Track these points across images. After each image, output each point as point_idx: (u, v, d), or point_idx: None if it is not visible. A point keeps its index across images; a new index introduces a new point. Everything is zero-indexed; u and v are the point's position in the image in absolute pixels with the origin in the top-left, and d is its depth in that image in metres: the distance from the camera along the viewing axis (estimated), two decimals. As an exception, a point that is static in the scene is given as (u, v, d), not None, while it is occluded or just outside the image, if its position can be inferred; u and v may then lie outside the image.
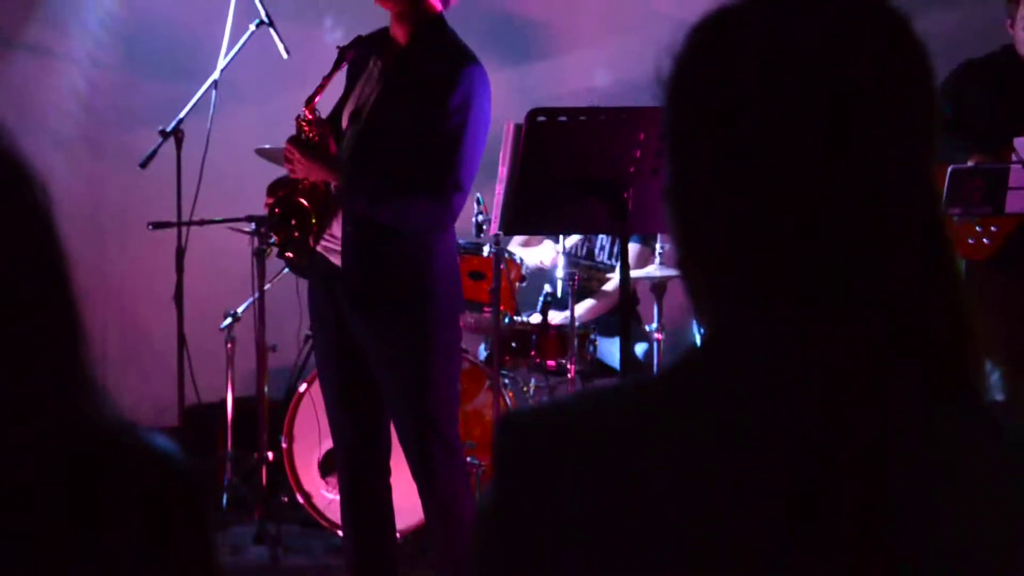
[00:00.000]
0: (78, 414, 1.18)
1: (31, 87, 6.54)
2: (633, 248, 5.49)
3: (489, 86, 3.91)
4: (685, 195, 1.14)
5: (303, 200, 3.91)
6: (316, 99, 3.94)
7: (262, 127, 5.81)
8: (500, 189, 3.87)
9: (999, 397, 4.65)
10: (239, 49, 5.45)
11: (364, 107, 3.95)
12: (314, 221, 3.91)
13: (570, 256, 5.61)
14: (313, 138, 3.94)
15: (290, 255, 3.98)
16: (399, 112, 3.87)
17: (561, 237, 5.49)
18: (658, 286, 5.27)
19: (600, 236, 5.69)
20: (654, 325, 5.26)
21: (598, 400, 1.15)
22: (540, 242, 5.75)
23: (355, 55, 4.02)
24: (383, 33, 4.03)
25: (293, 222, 3.91)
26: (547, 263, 5.58)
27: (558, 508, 1.07)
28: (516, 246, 5.73)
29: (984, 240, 4.88)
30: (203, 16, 5.93)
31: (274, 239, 4.00)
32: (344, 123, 4.00)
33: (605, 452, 1.08)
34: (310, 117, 3.93)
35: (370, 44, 4.05)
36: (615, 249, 5.61)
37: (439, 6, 3.94)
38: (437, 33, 3.93)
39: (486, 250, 5.18)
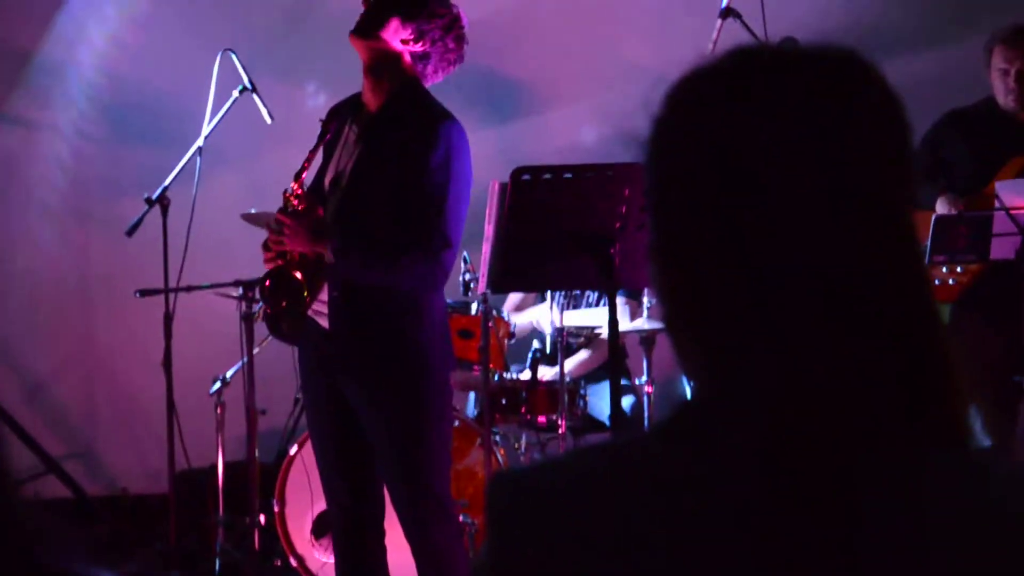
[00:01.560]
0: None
1: (17, 158, 6.56)
2: (620, 302, 5.51)
3: (467, 142, 3.91)
4: (669, 251, 1.15)
5: (296, 273, 3.91)
6: (304, 175, 3.95)
7: (247, 192, 5.84)
8: (486, 248, 3.88)
9: (986, 442, 4.66)
10: (223, 115, 5.47)
11: (343, 173, 3.96)
12: (306, 294, 3.91)
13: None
14: (300, 210, 3.94)
15: (281, 326, 3.97)
16: (379, 175, 3.88)
17: (549, 296, 5.50)
18: (646, 339, 5.28)
19: (587, 292, 5.70)
20: (643, 378, 5.27)
21: (589, 458, 1.15)
22: (533, 304, 5.76)
23: (336, 121, 4.05)
24: (356, 98, 4.05)
25: (284, 296, 3.92)
26: (541, 326, 5.57)
27: (551, 566, 1.08)
28: (510, 310, 5.74)
29: (950, 281, 4.91)
30: (186, 84, 5.96)
31: (265, 310, 4.00)
32: (325, 191, 4.01)
33: (597, 510, 1.09)
34: (298, 191, 3.94)
35: (344, 110, 4.07)
36: (601, 303, 5.62)
37: (414, 71, 3.95)
38: (412, 93, 3.94)
39: (474, 308, 5.19)
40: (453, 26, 3.99)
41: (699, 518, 1.06)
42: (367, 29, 3.91)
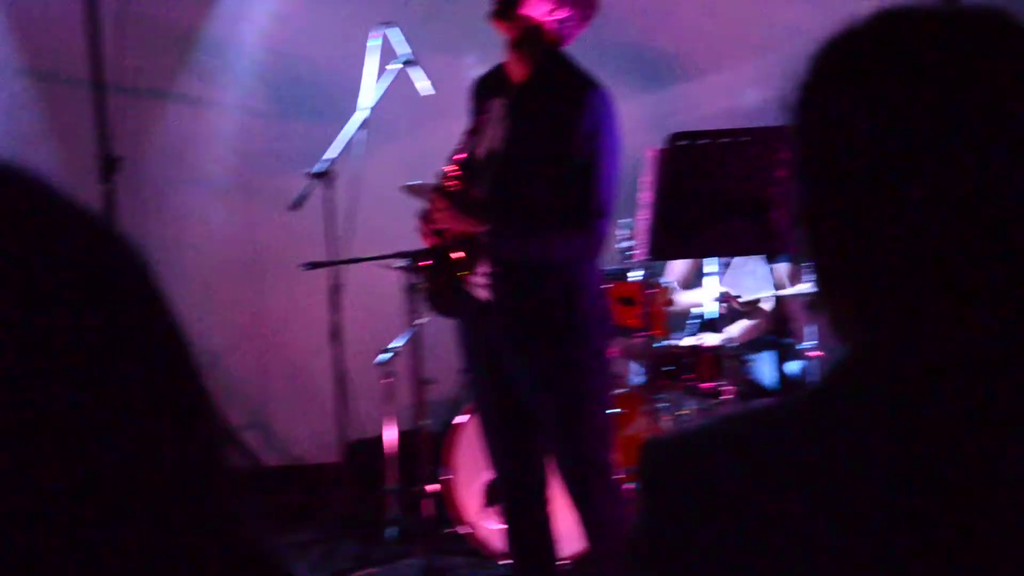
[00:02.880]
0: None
1: (186, 136, 6.71)
2: (782, 267, 5.45)
3: (615, 108, 3.89)
4: (820, 218, 1.14)
5: (453, 250, 3.94)
6: (459, 154, 3.98)
7: (408, 164, 5.89)
8: (644, 215, 3.87)
9: None
10: (386, 88, 5.54)
11: (495, 148, 3.97)
12: (464, 270, 3.94)
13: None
14: (457, 189, 3.97)
15: (441, 302, 4.02)
16: (530, 147, 3.88)
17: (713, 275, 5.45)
18: (812, 304, 5.20)
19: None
20: (809, 343, 5.20)
21: (741, 422, 1.15)
22: (699, 284, 5.73)
23: (481, 94, 4.07)
24: (501, 70, 4.05)
25: (443, 273, 3.96)
26: (707, 305, 5.52)
27: (702, 530, 1.08)
28: (675, 287, 5.71)
29: None
30: (347, 58, 6.03)
31: (425, 287, 4.05)
32: (477, 165, 4.02)
33: (748, 474, 1.08)
34: (454, 171, 3.97)
35: (491, 82, 4.08)
36: (762, 269, 5.56)
37: (558, 37, 3.94)
38: (556, 63, 3.93)
39: (633, 275, 5.18)
40: None
41: (848, 481, 1.06)
42: (505, 11, 3.91)
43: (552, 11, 3.91)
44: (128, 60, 6.31)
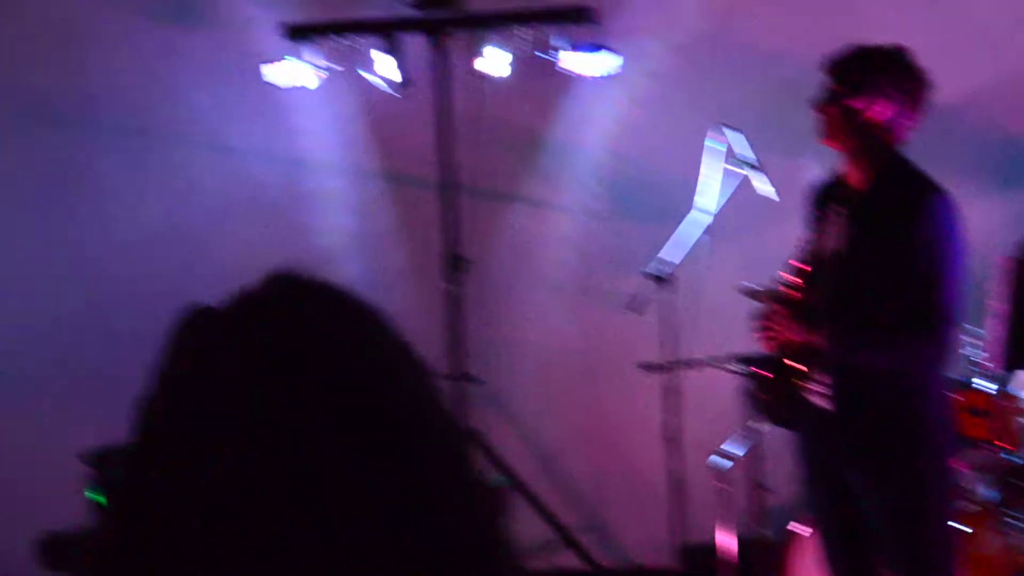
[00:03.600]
0: None
1: (529, 238, 6.83)
2: None
3: (957, 214, 3.80)
4: None
5: (792, 360, 3.87)
6: (798, 261, 3.92)
7: (745, 265, 5.81)
8: (997, 324, 3.72)
9: None
10: (728, 191, 5.51)
11: (834, 255, 3.90)
12: (803, 381, 3.87)
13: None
14: (793, 297, 3.92)
15: (779, 413, 3.95)
16: (871, 255, 3.81)
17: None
18: None
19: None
20: None
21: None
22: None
23: (819, 202, 4.01)
24: (839, 176, 3.99)
25: (782, 385, 3.89)
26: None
27: None
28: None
29: None
30: (686, 160, 6.03)
31: (762, 398, 3.99)
32: (816, 272, 3.95)
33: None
34: (792, 278, 3.92)
35: (829, 189, 4.02)
36: None
37: (893, 138, 3.86)
38: (894, 168, 3.85)
39: (981, 384, 4.93)
40: (901, 72, 3.87)
41: None
42: (830, 134, 3.88)
43: (874, 111, 3.82)
44: (477, 162, 6.49)
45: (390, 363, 1.03)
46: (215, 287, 1.09)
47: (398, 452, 0.98)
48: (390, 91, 6.40)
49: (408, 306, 6.68)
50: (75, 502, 5.02)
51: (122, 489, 1.01)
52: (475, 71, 6.29)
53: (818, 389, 3.89)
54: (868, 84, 3.83)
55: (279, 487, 0.94)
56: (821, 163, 6.18)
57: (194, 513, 0.95)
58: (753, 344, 4.13)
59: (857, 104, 3.83)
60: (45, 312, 6.63)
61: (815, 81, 4.03)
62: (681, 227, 5.57)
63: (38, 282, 6.67)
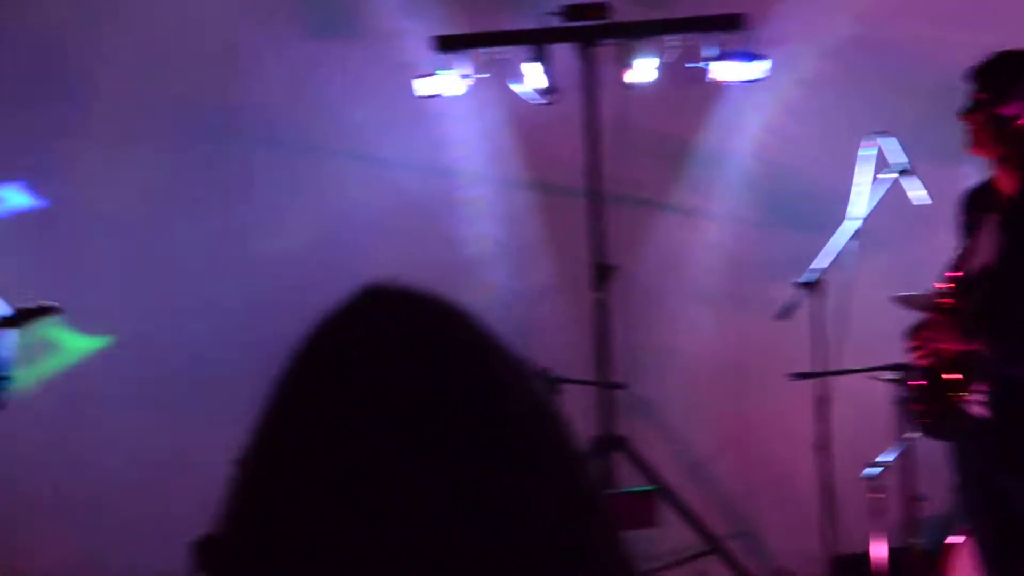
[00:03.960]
0: None
1: (677, 246, 6.83)
2: None
3: None
4: None
5: (948, 372, 3.82)
6: (953, 271, 3.87)
7: (899, 273, 5.76)
8: None
9: None
10: (880, 198, 5.45)
11: (988, 263, 3.84)
12: (959, 393, 3.81)
13: None
14: (948, 305, 3.87)
15: (935, 426, 3.90)
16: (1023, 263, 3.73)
17: None
18: None
19: None
20: None
21: None
22: None
23: (971, 209, 3.95)
24: (991, 183, 3.92)
25: (938, 397, 3.84)
26: None
27: None
28: None
29: None
30: (837, 167, 5.97)
31: (917, 410, 3.94)
32: (970, 281, 3.89)
33: None
34: (947, 287, 3.86)
35: (980, 196, 3.95)
36: None
37: None
38: None
39: None
40: None
41: None
42: (978, 143, 3.82)
43: (1020, 116, 3.76)
44: (624, 171, 6.51)
45: (488, 371, 1.03)
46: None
47: (508, 463, 0.99)
48: (538, 101, 6.44)
49: (556, 315, 6.73)
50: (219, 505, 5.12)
51: (238, 490, 1.03)
52: (623, 80, 6.31)
53: (974, 397, 3.83)
54: (1014, 90, 3.77)
55: (387, 491, 0.95)
56: (976, 169, 6.10)
57: (308, 513, 0.97)
58: (905, 353, 4.09)
59: (1004, 111, 3.77)
60: (201, 319, 6.78)
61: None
62: (835, 237, 5.53)
63: (196, 290, 6.82)
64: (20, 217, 6.83)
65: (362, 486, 0.96)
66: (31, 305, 5.20)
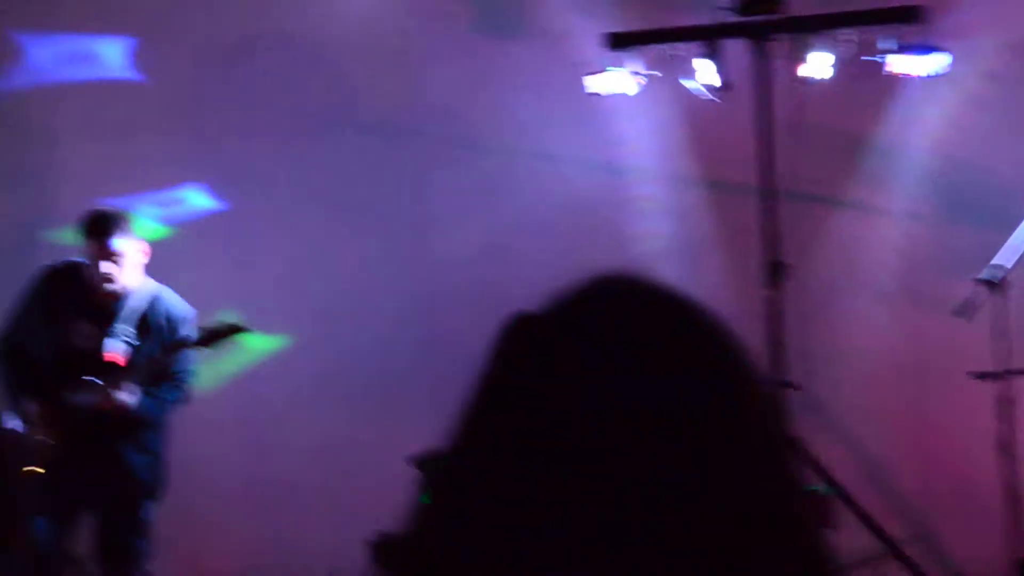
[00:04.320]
0: None
1: (853, 242, 6.71)
2: None
3: None
4: None
5: None
6: None
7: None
8: None
9: None
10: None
11: None
12: None
13: None
14: None
15: None
16: None
17: None
18: None
19: None
20: None
21: None
22: None
23: None
24: None
25: None
26: None
27: None
28: None
29: None
30: (1016, 160, 5.81)
31: None
32: None
33: None
34: None
35: None
36: None
37: None
38: None
39: None
40: None
41: None
42: None
43: None
44: (798, 167, 6.41)
45: (720, 366, 1.04)
46: (536, 293, 1.11)
47: (725, 457, 0.97)
48: (710, 97, 6.38)
49: (728, 312, 6.61)
50: (406, 504, 5.17)
51: (443, 490, 1.01)
52: (797, 75, 6.22)
53: None
54: None
55: (604, 491, 0.93)
56: None
57: (515, 515, 0.94)
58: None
59: None
60: (375, 317, 6.86)
61: None
62: (1017, 232, 5.37)
63: (370, 289, 6.91)
64: (200, 218, 7.00)
65: (599, 480, 0.94)
66: (218, 325, 5.20)
